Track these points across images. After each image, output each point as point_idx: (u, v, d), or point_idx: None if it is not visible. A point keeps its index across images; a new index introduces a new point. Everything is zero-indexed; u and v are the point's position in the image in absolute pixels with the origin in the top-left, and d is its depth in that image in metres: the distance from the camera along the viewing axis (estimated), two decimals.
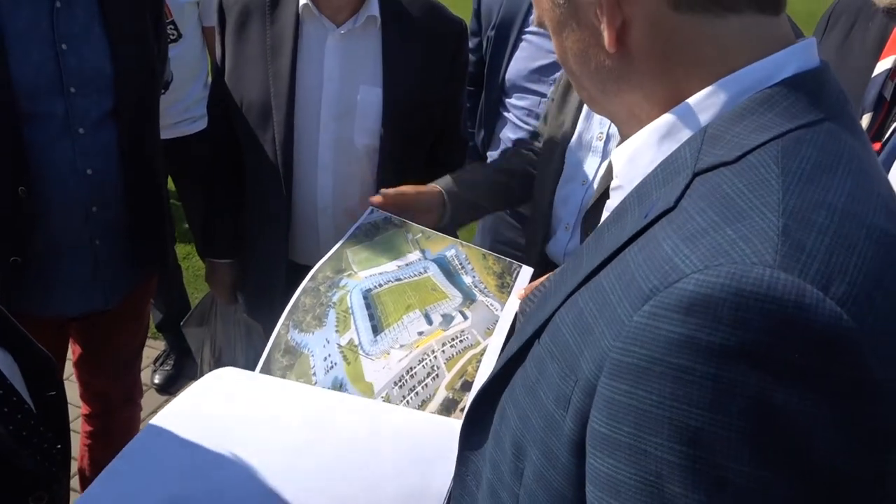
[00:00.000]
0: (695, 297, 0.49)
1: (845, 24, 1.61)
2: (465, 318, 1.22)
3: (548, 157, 1.65)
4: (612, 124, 1.53)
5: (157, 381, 3.08)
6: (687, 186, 0.58)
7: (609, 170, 1.50)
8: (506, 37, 2.51)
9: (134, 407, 2.16)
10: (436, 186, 1.58)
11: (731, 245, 0.51)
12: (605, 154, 1.56)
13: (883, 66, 1.48)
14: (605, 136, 1.56)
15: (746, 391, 0.47)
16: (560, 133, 1.62)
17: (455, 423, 0.98)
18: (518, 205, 1.95)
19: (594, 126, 1.58)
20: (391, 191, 1.50)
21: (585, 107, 1.59)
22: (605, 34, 0.63)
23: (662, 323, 0.50)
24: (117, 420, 2.10)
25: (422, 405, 1.06)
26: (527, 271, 1.37)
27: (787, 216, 0.52)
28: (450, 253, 1.39)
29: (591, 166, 1.57)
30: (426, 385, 1.08)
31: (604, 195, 1.47)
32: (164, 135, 1.96)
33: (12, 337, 0.98)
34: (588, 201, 1.56)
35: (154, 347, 3.21)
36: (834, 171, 0.56)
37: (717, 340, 0.48)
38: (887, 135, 1.41)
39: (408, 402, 1.06)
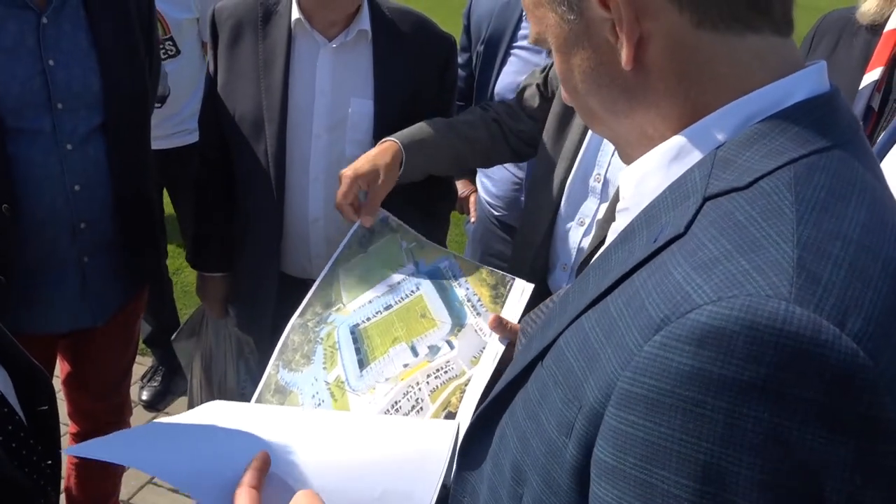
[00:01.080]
0: (708, 329, 0.48)
1: (829, 42, 1.65)
2: (452, 347, 1.22)
3: (543, 185, 1.62)
4: (609, 168, 1.50)
5: (144, 397, 3.05)
6: (697, 211, 0.57)
7: (607, 216, 1.47)
8: (494, 52, 2.54)
9: (122, 426, 2.13)
10: (395, 143, 1.52)
11: (745, 276, 0.50)
12: (602, 196, 1.53)
13: (870, 77, 1.52)
14: (602, 178, 1.52)
15: (759, 427, 0.47)
16: (558, 164, 1.59)
17: (443, 424, 0.98)
18: (466, 175, 1.87)
19: (590, 166, 1.54)
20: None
21: (586, 142, 1.56)
22: (624, 51, 0.62)
23: (674, 354, 0.49)
24: None
25: None
26: (520, 284, 1.38)
27: (801, 247, 0.51)
28: (443, 265, 1.39)
29: (590, 208, 1.55)
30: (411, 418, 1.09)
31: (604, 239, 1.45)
32: (159, 145, 1.97)
33: (6, 350, 0.98)
34: (585, 246, 1.54)
35: (141, 364, 3.19)
36: (848, 201, 0.55)
37: (730, 374, 0.47)
38: (876, 144, 1.45)
39: None
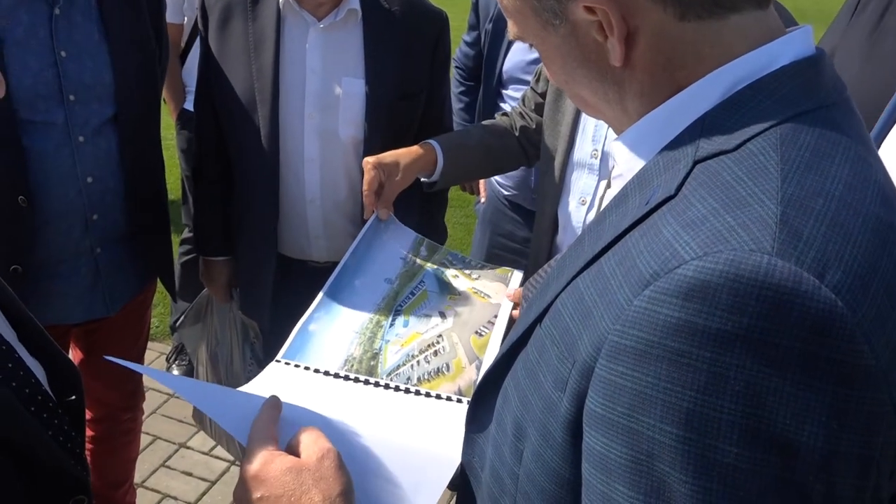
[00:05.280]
0: (694, 282, 0.52)
1: (878, 7, 1.55)
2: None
3: (546, 168, 1.69)
4: (606, 142, 1.56)
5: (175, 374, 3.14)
6: (688, 174, 0.61)
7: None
8: (503, 29, 2.57)
9: (136, 412, 2.24)
10: (429, 142, 1.64)
11: (729, 232, 0.54)
12: (602, 172, 1.57)
13: None
14: (599, 154, 1.57)
15: (741, 375, 0.51)
16: (555, 147, 1.64)
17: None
18: (506, 170, 1.98)
19: (587, 143, 1.59)
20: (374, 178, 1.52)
21: (582, 120, 1.61)
22: (615, 49, 0.65)
23: (661, 307, 0.53)
24: (119, 426, 2.19)
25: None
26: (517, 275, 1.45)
27: (785, 204, 0.55)
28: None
29: (589, 185, 1.60)
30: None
31: None
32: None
33: (37, 341, 1.05)
34: (590, 223, 1.56)
35: (152, 350, 3.29)
36: (832, 159, 0.59)
37: (715, 325, 0.51)
38: (876, 126, 1.40)
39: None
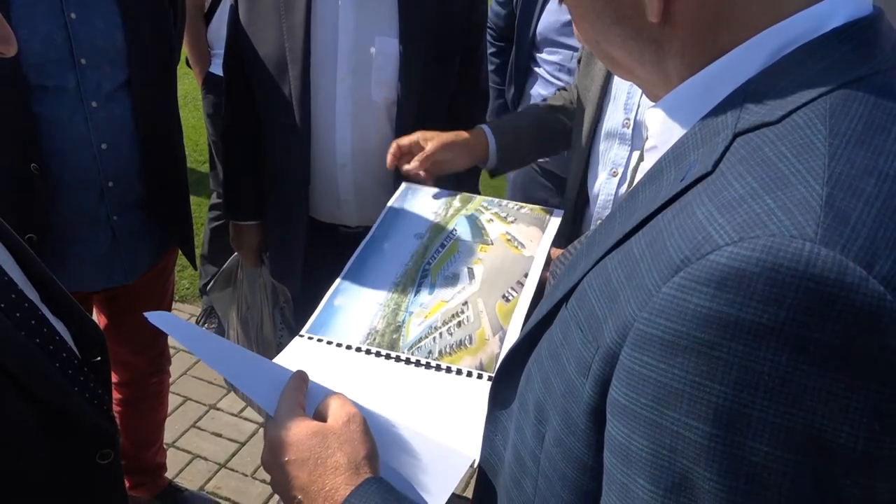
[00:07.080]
0: (727, 270, 0.48)
1: None
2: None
3: (576, 135, 1.58)
4: (639, 110, 1.45)
5: None
6: (726, 149, 0.55)
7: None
8: None
9: (162, 375, 2.20)
10: (479, 126, 1.58)
11: (769, 215, 0.49)
12: (634, 143, 1.47)
13: None
14: (631, 123, 1.46)
15: (776, 371, 0.46)
16: (584, 115, 1.53)
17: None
18: (565, 148, 1.93)
19: (618, 111, 1.48)
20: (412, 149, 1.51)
21: (612, 88, 1.50)
22: (652, 3, 0.59)
23: (691, 296, 0.49)
24: (146, 389, 2.15)
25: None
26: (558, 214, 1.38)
27: (832, 184, 0.49)
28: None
29: (621, 156, 1.49)
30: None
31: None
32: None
33: (60, 303, 1.02)
34: (622, 196, 1.51)
35: (180, 311, 3.30)
36: (887, 133, 0.53)
37: (749, 317, 0.47)
38: None
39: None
